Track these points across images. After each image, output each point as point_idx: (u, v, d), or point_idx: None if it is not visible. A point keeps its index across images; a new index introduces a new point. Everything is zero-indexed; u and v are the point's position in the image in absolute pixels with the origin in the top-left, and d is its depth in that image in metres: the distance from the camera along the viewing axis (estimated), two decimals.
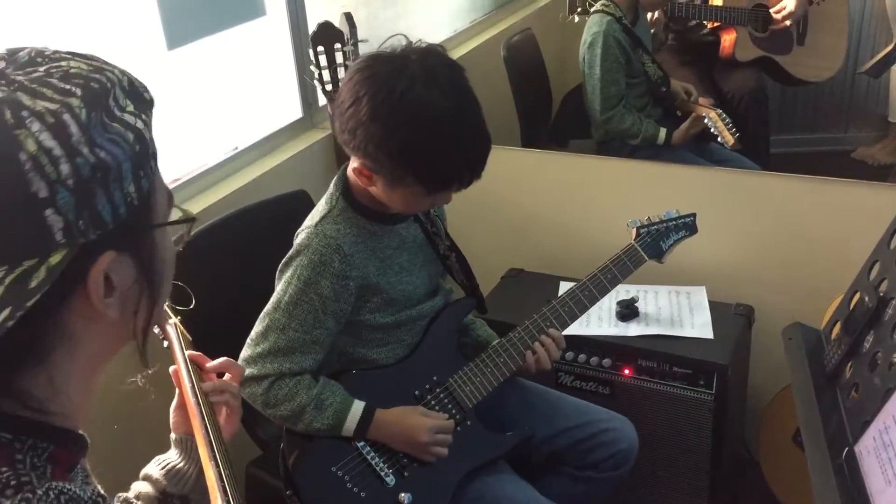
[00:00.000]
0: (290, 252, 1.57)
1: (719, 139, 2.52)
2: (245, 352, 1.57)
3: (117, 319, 0.72)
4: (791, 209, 2.23)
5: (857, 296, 1.41)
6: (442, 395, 1.67)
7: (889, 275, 1.36)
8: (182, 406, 1.19)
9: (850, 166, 2.93)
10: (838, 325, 1.44)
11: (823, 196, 2.19)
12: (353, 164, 1.51)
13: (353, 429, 1.56)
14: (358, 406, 1.57)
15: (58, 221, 0.64)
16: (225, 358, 1.23)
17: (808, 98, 3.12)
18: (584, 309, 1.75)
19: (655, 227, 1.86)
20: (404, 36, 1.49)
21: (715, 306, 2.18)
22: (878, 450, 1.17)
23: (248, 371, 1.54)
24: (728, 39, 2.76)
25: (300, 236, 1.58)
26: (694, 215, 1.92)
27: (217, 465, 1.05)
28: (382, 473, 1.59)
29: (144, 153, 0.69)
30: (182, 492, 1.18)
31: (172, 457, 1.20)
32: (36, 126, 0.62)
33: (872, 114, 3.11)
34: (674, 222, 1.88)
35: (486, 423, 1.70)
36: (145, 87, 0.74)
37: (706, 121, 2.55)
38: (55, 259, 0.64)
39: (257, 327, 1.57)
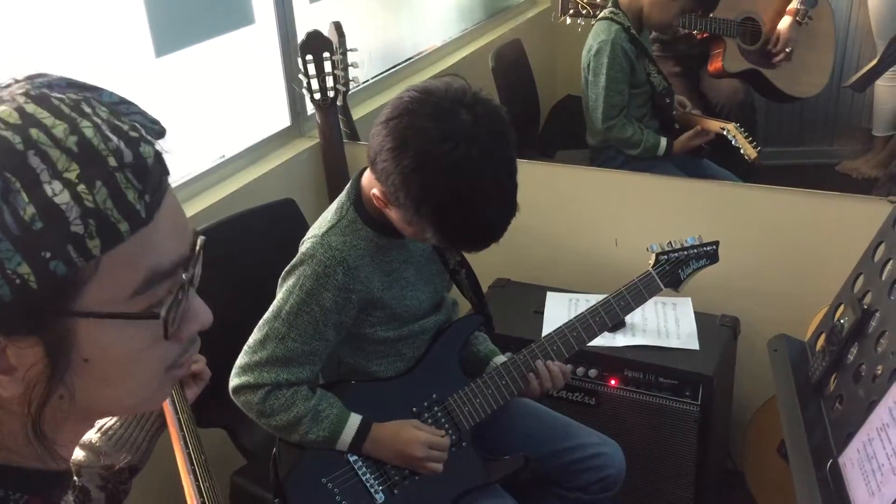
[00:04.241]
0: (293, 261, 1.54)
1: (741, 151, 2.48)
2: (241, 359, 1.55)
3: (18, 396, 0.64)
4: (776, 221, 2.24)
5: (842, 308, 1.42)
6: (440, 414, 1.65)
7: (873, 287, 1.37)
8: None
9: (835, 179, 2.96)
10: (823, 337, 1.45)
11: (808, 209, 2.21)
12: (374, 189, 1.47)
13: (348, 442, 1.55)
14: (354, 419, 1.55)
15: None
16: None
17: (794, 111, 3.15)
18: (593, 335, 1.70)
19: (675, 254, 1.76)
20: (463, 79, 1.45)
21: (701, 317, 2.18)
22: (861, 461, 1.17)
23: (244, 379, 1.53)
24: (716, 51, 2.78)
25: (305, 245, 1.55)
26: (716, 244, 1.81)
27: (196, 479, 1.02)
28: (372, 490, 1.57)
29: (54, 231, 0.57)
30: (132, 462, 1.09)
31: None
32: None
33: (857, 127, 3.14)
34: (695, 250, 1.78)
35: (479, 441, 1.68)
36: (114, 148, 0.59)
37: (726, 134, 2.49)
38: None
39: (255, 335, 1.54)
